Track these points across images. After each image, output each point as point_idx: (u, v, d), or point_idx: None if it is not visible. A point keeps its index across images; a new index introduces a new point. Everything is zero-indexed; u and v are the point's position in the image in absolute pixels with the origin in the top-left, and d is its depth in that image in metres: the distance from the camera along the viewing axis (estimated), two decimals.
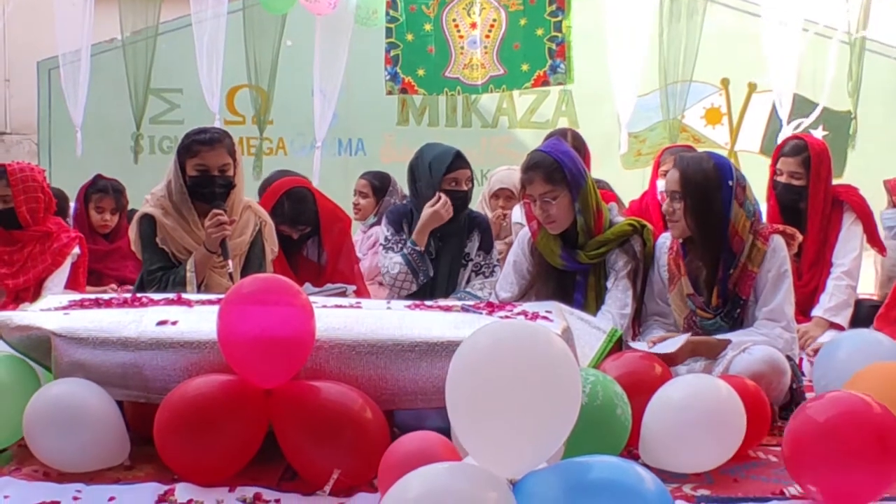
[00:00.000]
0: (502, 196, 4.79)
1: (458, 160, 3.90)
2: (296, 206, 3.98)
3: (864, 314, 3.84)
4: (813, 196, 3.98)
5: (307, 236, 4.03)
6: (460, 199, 3.90)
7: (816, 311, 3.90)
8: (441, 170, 3.88)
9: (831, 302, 3.90)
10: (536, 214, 3.38)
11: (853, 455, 2.20)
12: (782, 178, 4.02)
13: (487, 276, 3.96)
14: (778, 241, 3.19)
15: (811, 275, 4.01)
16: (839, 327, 3.83)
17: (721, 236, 3.11)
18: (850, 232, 3.99)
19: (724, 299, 3.15)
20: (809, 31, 5.99)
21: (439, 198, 3.83)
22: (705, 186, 3.09)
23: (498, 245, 4.30)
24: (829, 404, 2.33)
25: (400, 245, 3.92)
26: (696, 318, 3.19)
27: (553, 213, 3.33)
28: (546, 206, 3.32)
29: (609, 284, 3.37)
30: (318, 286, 3.86)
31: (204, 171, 3.51)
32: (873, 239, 4.08)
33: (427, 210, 3.83)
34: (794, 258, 3.48)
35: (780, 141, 4.48)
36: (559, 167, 3.32)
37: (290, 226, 3.97)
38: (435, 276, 3.91)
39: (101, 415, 2.52)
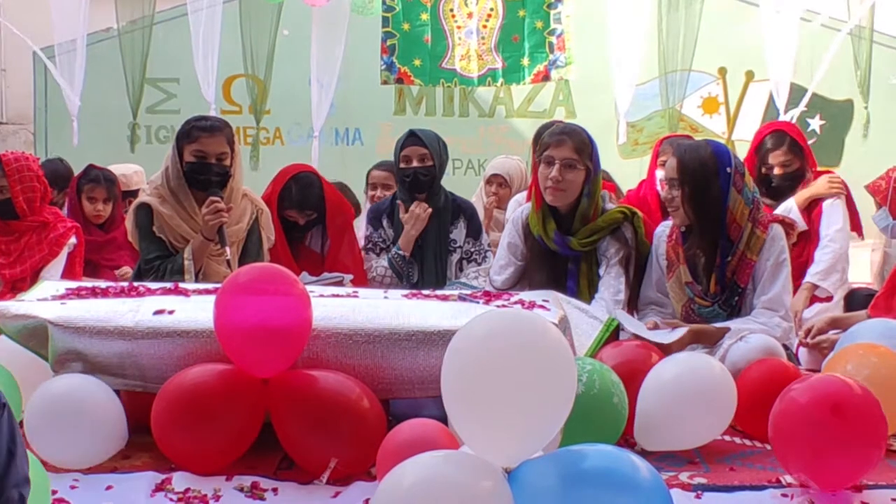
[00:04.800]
0: (495, 182, 4.81)
1: (410, 138, 3.89)
2: (303, 190, 3.92)
3: (860, 302, 3.84)
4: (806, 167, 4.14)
5: (312, 224, 3.98)
6: (410, 177, 3.85)
7: (805, 279, 4.00)
8: (397, 151, 3.90)
9: (817, 267, 4.02)
10: (548, 177, 3.35)
11: (834, 438, 2.23)
12: (777, 171, 4.08)
13: (480, 263, 3.93)
14: (777, 229, 3.20)
15: (799, 249, 4.06)
16: (828, 300, 3.89)
17: (719, 223, 3.11)
18: (832, 207, 4.10)
19: (722, 287, 3.16)
20: (808, 21, 5.98)
21: (417, 204, 3.84)
22: (702, 173, 3.10)
23: (492, 236, 4.29)
24: (809, 388, 2.35)
25: (380, 245, 3.93)
26: (695, 305, 3.20)
27: (569, 179, 3.34)
28: (564, 172, 3.33)
29: (601, 272, 3.38)
30: (317, 275, 3.85)
31: (201, 158, 3.51)
32: (853, 221, 4.15)
33: (406, 217, 3.84)
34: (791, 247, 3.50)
35: None
36: (590, 145, 3.40)
37: (297, 210, 3.91)
38: (421, 263, 3.90)
39: (102, 413, 2.51)
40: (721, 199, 3.10)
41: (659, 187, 4.30)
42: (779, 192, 4.13)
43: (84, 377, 2.57)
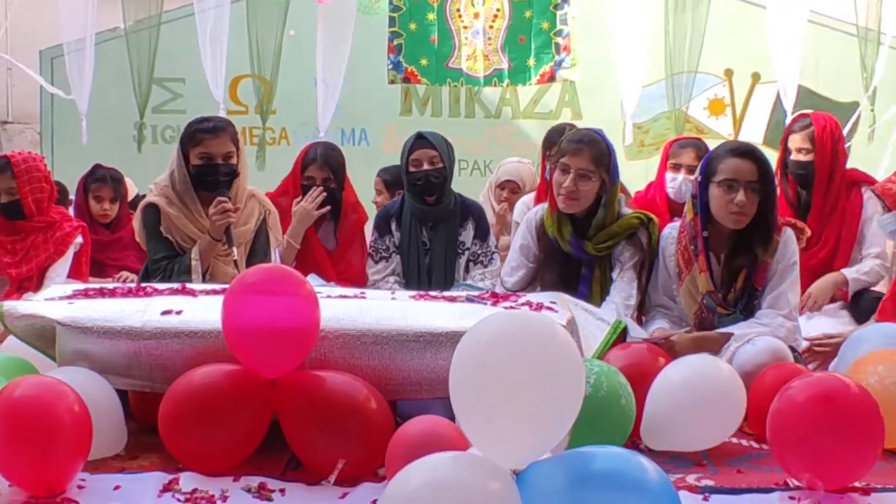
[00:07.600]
0: (507, 188, 4.74)
1: (419, 140, 3.88)
2: (326, 149, 4.11)
3: (867, 305, 3.83)
4: (819, 164, 3.93)
5: (330, 199, 4.00)
6: (421, 180, 3.84)
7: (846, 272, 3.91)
8: (405, 154, 3.89)
9: (857, 267, 3.92)
10: (562, 184, 3.32)
11: (829, 434, 2.24)
12: (792, 156, 4.02)
13: (486, 265, 3.92)
14: (789, 233, 3.25)
15: (817, 248, 4.02)
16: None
17: (772, 226, 3.16)
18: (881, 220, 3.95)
19: (742, 292, 3.18)
20: (815, 23, 5.97)
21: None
22: (773, 175, 3.19)
23: (502, 240, 4.27)
24: (805, 387, 2.35)
25: (382, 252, 3.92)
26: (714, 315, 3.19)
27: (583, 190, 3.32)
28: (579, 182, 3.31)
29: (614, 276, 3.37)
30: (329, 271, 3.86)
31: (208, 160, 3.51)
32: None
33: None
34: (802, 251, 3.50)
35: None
36: (609, 156, 3.36)
37: (319, 165, 4.01)
38: (430, 266, 3.89)
39: (99, 404, 2.50)
40: (776, 200, 3.21)
41: (668, 189, 4.29)
42: (797, 183, 4.00)
43: (78, 370, 2.56)
